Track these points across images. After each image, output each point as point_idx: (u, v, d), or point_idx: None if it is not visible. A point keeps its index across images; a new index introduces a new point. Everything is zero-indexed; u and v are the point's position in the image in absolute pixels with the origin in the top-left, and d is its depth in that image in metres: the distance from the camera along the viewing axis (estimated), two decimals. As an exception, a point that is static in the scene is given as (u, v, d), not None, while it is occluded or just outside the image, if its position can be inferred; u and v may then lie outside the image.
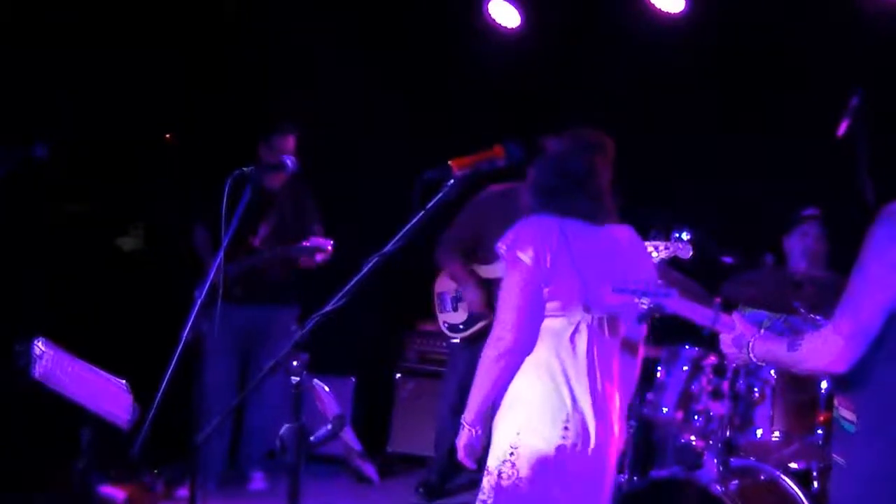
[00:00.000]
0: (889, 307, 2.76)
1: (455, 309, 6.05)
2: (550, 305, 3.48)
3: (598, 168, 3.62)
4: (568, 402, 3.43)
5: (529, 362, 3.48)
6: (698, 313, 3.41)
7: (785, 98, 6.32)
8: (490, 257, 5.66)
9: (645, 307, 3.42)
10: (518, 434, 3.42)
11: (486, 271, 5.85)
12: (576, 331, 3.50)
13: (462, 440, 3.54)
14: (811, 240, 5.46)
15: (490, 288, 5.76)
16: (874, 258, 2.77)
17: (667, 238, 4.83)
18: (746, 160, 6.37)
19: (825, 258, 5.46)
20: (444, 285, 6.12)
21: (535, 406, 3.43)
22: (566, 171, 3.60)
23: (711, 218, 6.00)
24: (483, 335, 3.69)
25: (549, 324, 3.49)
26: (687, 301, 3.41)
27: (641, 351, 3.77)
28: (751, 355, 3.19)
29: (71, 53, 6.52)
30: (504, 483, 3.40)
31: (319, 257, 5.98)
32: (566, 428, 3.41)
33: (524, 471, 3.39)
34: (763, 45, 6.46)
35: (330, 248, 6.00)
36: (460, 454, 3.58)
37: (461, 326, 6.02)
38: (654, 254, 4.60)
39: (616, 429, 3.54)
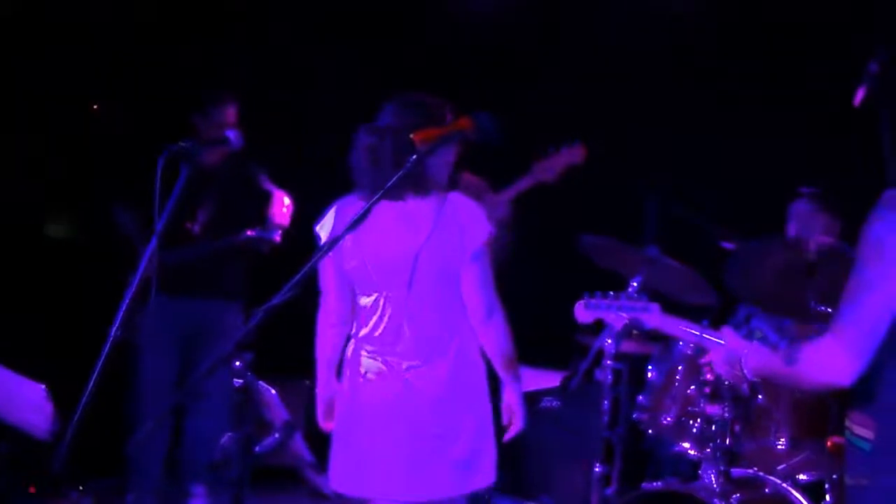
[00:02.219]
0: (894, 308, 2.76)
1: None
2: (356, 283, 4.10)
3: (393, 141, 3.91)
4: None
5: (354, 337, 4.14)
6: (683, 330, 3.41)
7: (795, 64, 6.34)
8: None
9: (620, 323, 3.44)
10: None
11: None
12: (375, 306, 4.04)
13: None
14: (805, 221, 5.47)
15: None
16: (874, 254, 2.77)
17: (558, 148, 5.44)
18: (754, 137, 6.38)
19: (834, 237, 5.47)
20: None
21: None
22: (359, 147, 4.02)
23: (714, 200, 6.02)
24: None
25: (361, 301, 4.10)
26: (669, 317, 3.43)
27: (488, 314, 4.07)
28: (744, 372, 3.18)
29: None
30: None
31: (269, 244, 5.96)
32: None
33: None
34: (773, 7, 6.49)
35: (278, 238, 5.97)
36: None
37: None
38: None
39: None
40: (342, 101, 6.81)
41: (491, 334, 4.09)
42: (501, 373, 4.13)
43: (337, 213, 4.12)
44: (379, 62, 7.11)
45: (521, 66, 6.93)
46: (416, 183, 3.92)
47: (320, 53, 7.20)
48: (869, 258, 2.78)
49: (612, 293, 3.51)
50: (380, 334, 4.05)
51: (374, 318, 4.07)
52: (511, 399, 4.15)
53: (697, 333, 3.37)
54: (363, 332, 4.10)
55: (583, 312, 3.55)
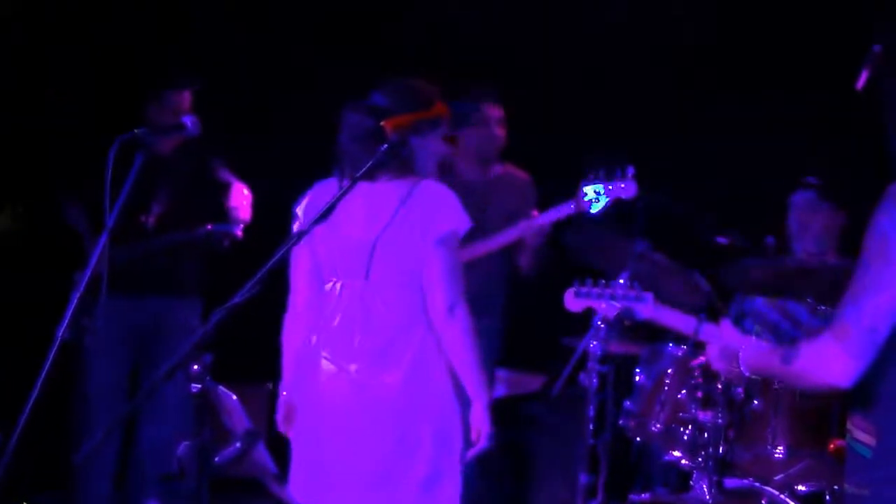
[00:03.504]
0: None
1: None
2: (322, 268, 4.15)
3: (375, 124, 3.95)
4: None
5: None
6: (678, 321, 3.42)
7: (791, 45, 6.36)
8: None
9: (612, 313, 3.44)
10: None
11: None
12: (332, 294, 4.09)
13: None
14: (808, 216, 5.49)
15: None
16: (878, 252, 2.77)
17: (608, 177, 4.99)
18: (747, 122, 6.40)
19: (836, 238, 5.49)
20: None
21: None
22: (344, 126, 4.07)
23: (704, 191, 6.03)
24: None
25: (326, 288, 4.13)
26: (664, 307, 3.43)
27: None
28: (741, 368, 3.18)
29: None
30: None
31: (230, 238, 5.94)
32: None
33: None
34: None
35: (240, 232, 5.95)
36: None
37: None
38: (595, 198, 4.73)
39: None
40: (309, 94, 6.82)
41: (450, 333, 4.02)
42: (463, 380, 4.06)
43: (313, 196, 4.15)
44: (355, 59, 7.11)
45: (512, 66, 6.93)
46: (392, 167, 3.94)
47: (291, 48, 7.20)
48: (873, 256, 2.79)
49: (603, 281, 3.50)
50: (334, 327, 4.06)
51: (331, 309, 4.09)
52: (474, 412, 4.07)
53: (693, 325, 3.37)
54: (322, 324, 4.11)
55: (573, 301, 3.55)
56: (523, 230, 5.45)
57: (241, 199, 6.12)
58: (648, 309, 3.44)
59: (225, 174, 6.18)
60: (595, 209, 5.25)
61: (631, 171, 5.23)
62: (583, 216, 5.26)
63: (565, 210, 5.40)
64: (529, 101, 6.58)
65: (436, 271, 3.99)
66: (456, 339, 4.02)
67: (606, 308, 3.45)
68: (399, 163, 3.92)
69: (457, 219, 4.04)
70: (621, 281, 4.94)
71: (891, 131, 3.07)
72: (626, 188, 5.23)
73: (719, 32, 6.63)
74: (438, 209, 4.02)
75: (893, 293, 2.75)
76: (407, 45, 7.05)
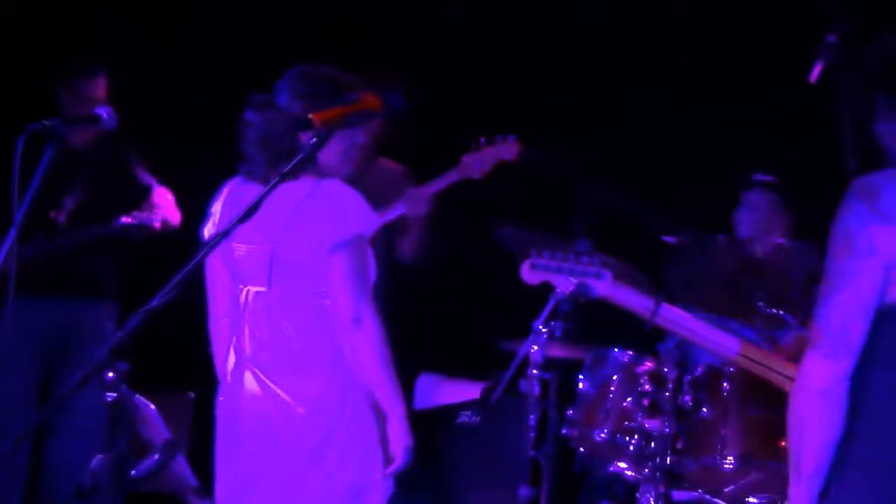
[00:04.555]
0: (871, 303, 2.81)
1: None
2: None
3: (286, 119, 3.91)
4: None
5: None
6: (636, 301, 3.42)
7: (745, 36, 6.41)
8: None
9: (567, 289, 3.43)
10: None
11: None
12: (243, 301, 4.04)
13: None
14: (762, 213, 5.55)
15: None
16: (843, 248, 2.82)
17: (489, 143, 5.38)
18: (697, 115, 6.45)
19: (787, 235, 5.55)
20: None
21: None
22: (248, 124, 4.03)
23: (652, 188, 6.06)
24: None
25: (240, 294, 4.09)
26: (623, 286, 3.42)
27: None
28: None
29: None
30: None
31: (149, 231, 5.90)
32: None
33: None
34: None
35: (158, 225, 5.91)
36: None
37: None
38: (478, 163, 5.36)
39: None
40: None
41: (357, 345, 3.94)
42: (375, 393, 3.98)
43: (228, 194, 4.11)
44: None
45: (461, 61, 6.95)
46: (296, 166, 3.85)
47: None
48: (838, 252, 2.84)
49: (561, 254, 3.49)
50: (246, 336, 4.03)
51: (241, 317, 4.06)
52: (390, 427, 4.00)
53: (651, 307, 3.37)
54: (237, 333, 4.09)
55: (529, 273, 3.52)
56: (406, 202, 5.48)
57: (164, 200, 6.07)
58: (606, 286, 3.43)
59: (145, 175, 6.13)
60: (478, 174, 5.53)
61: (513, 136, 5.50)
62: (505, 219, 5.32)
63: (448, 179, 5.58)
64: (462, 98, 6.62)
65: (339, 278, 3.91)
66: (363, 352, 3.94)
67: (563, 283, 3.43)
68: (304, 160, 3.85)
69: (361, 220, 3.96)
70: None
71: (844, 122, 3.11)
72: (508, 149, 5.48)
73: (672, 29, 6.69)
74: (340, 210, 3.94)
75: (862, 289, 2.80)
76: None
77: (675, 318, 3.42)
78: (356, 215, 3.94)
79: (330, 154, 3.97)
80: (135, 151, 6.19)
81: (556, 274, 3.45)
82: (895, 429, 2.83)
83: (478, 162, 5.56)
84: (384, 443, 4.00)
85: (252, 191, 3.78)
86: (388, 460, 4.00)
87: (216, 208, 4.13)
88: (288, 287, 3.96)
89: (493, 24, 6.95)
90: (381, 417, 4.00)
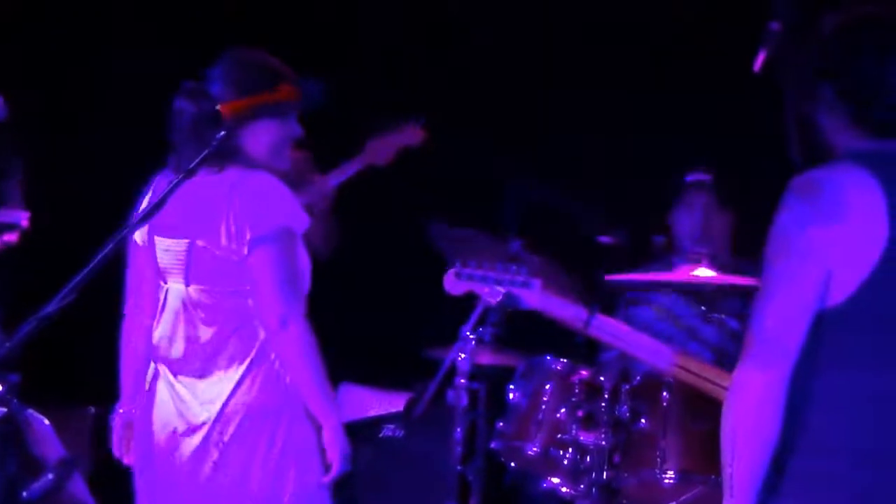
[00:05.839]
0: (810, 307, 2.82)
1: None
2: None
3: (210, 108, 3.88)
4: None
5: None
6: (567, 312, 3.43)
7: (683, 27, 6.46)
8: None
9: (494, 299, 3.44)
10: None
11: None
12: (162, 299, 4.04)
13: None
14: (699, 214, 5.57)
15: None
16: (781, 251, 2.84)
17: (393, 127, 5.60)
18: (636, 118, 6.49)
19: (727, 238, 5.59)
20: None
21: None
22: (175, 112, 4.03)
23: (587, 186, 6.09)
24: None
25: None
26: (553, 296, 3.43)
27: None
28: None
29: None
30: None
31: (12, 237, 5.81)
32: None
33: None
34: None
35: (25, 222, 5.84)
36: None
37: None
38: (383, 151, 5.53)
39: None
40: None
41: (283, 349, 3.93)
42: (305, 400, 3.97)
43: (155, 188, 4.09)
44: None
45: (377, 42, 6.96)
46: (216, 156, 3.81)
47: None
48: (775, 255, 2.85)
49: (488, 263, 3.49)
50: (166, 336, 4.02)
51: (161, 315, 4.05)
52: (325, 435, 3.99)
53: (584, 317, 3.38)
54: (156, 331, 4.07)
55: (453, 283, 3.53)
56: (312, 195, 5.49)
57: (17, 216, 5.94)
58: (535, 297, 3.44)
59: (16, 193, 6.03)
60: (383, 161, 5.70)
61: (416, 120, 5.66)
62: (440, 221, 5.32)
63: (353, 167, 5.70)
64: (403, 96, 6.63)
65: (261, 276, 3.88)
66: (290, 356, 3.93)
67: (489, 293, 3.44)
68: (222, 153, 3.82)
69: (285, 215, 3.92)
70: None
71: (789, 113, 3.12)
72: (412, 134, 5.66)
73: (606, 28, 6.73)
74: (261, 203, 3.90)
75: (800, 293, 2.81)
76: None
77: (610, 328, 3.44)
78: (279, 209, 3.90)
79: (259, 146, 3.95)
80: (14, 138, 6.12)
81: (481, 283, 3.46)
82: (837, 440, 2.85)
83: (381, 148, 5.61)
84: (322, 451, 3.98)
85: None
86: (325, 468, 3.98)
87: (143, 203, 4.09)
88: (205, 284, 3.94)
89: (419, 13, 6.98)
90: (317, 425, 3.98)
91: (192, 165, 3.35)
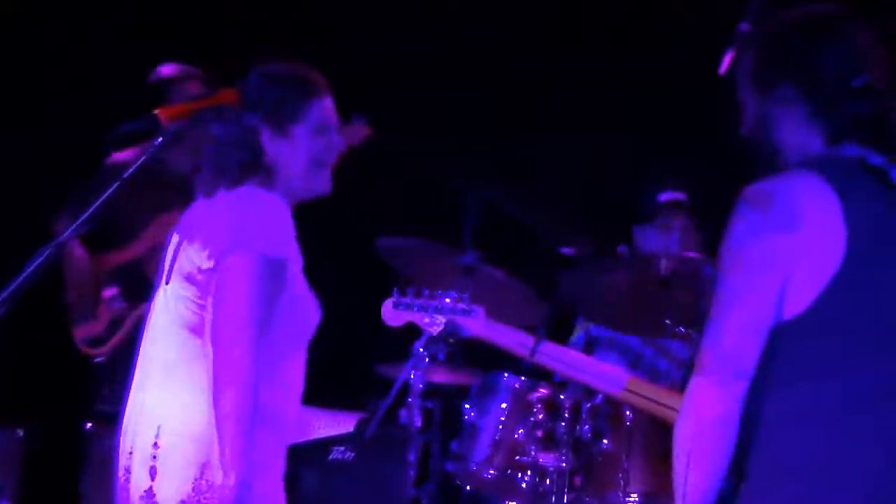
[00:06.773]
0: (765, 323, 2.82)
1: None
2: None
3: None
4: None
5: None
6: (512, 339, 3.43)
7: (651, 34, 6.50)
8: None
9: (436, 328, 3.44)
10: None
11: None
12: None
13: None
14: (676, 235, 5.57)
15: None
16: (734, 262, 2.85)
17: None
18: (598, 131, 6.51)
19: (699, 248, 5.60)
20: None
21: None
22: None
23: (550, 196, 6.10)
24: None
25: None
26: (496, 323, 3.43)
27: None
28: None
29: None
30: None
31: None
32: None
33: None
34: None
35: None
36: None
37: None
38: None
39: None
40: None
41: (217, 382, 3.63)
42: (218, 440, 3.63)
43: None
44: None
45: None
46: (237, 172, 3.78)
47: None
48: (729, 267, 2.85)
49: (427, 291, 3.48)
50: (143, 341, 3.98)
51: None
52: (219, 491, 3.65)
53: (530, 345, 3.37)
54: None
55: (391, 314, 3.53)
56: None
57: None
58: (479, 325, 3.44)
59: None
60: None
61: (360, 119, 5.54)
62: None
63: None
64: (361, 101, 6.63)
65: (216, 292, 3.70)
66: (220, 388, 3.63)
67: (430, 323, 3.43)
68: (244, 168, 3.78)
69: (259, 238, 3.69)
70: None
71: (747, 114, 3.13)
72: (355, 132, 5.47)
73: (578, 30, 6.76)
74: (237, 219, 3.75)
75: (755, 307, 2.81)
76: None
77: (557, 354, 3.43)
78: (253, 230, 3.69)
79: (295, 158, 3.84)
80: None
81: (421, 313, 3.45)
82: (793, 461, 2.84)
83: None
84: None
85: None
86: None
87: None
88: (175, 288, 3.85)
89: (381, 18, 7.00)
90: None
91: (126, 173, 3.27)
